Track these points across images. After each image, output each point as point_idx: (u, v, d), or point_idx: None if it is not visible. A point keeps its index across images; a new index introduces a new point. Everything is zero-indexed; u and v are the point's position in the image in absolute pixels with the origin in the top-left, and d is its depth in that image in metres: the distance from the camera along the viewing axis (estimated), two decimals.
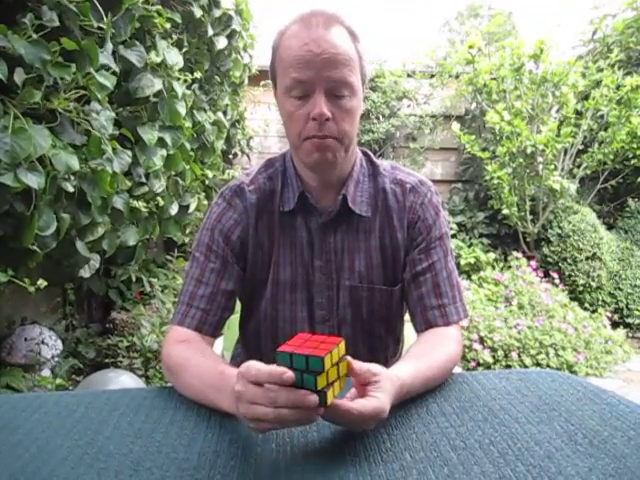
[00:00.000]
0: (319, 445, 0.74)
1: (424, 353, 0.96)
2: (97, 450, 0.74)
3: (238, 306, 1.20)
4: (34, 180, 1.52)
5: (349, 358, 0.73)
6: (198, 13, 2.74)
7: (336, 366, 0.69)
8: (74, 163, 1.66)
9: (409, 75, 5.33)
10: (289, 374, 0.65)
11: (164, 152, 2.39)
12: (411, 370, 0.85)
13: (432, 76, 5.30)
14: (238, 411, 0.71)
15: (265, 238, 1.10)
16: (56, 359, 2.43)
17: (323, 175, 1.07)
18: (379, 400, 0.72)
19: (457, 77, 5.04)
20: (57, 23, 1.63)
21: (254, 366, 0.68)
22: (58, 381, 2.34)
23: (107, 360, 2.75)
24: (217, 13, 2.97)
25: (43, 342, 2.35)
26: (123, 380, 2.31)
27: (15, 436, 0.78)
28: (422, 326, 1.07)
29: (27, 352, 2.30)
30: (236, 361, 1.26)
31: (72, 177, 1.76)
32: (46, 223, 1.66)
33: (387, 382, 0.75)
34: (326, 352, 0.66)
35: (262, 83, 4.58)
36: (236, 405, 0.71)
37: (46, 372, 2.39)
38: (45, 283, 1.74)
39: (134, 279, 3.05)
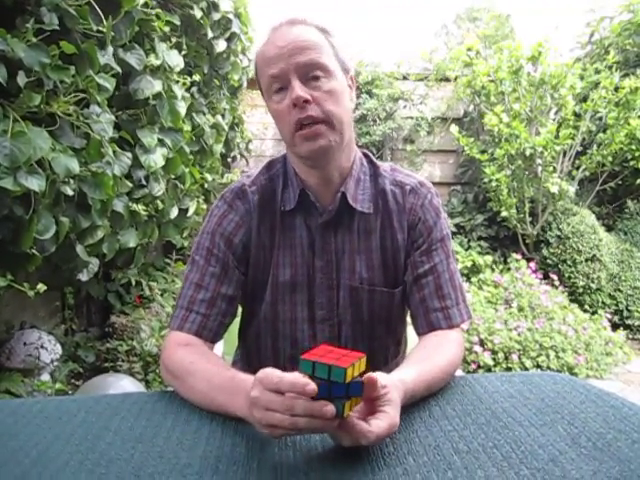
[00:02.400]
0: (322, 450, 0.74)
1: (426, 357, 0.96)
2: (98, 455, 0.73)
3: (238, 310, 1.20)
4: (35, 183, 1.52)
5: (371, 374, 0.72)
6: (198, 14, 2.74)
7: (357, 379, 0.69)
8: (74, 166, 1.66)
9: (405, 77, 5.34)
10: (312, 386, 0.64)
11: (165, 151, 2.39)
12: (414, 374, 0.85)
13: (426, 77, 5.30)
14: (252, 416, 0.70)
15: (267, 239, 1.10)
16: (55, 363, 2.42)
17: (321, 167, 1.06)
18: (391, 416, 0.72)
19: (455, 79, 5.04)
20: (56, 24, 1.63)
21: (275, 373, 0.68)
22: (57, 385, 2.33)
23: (106, 364, 2.74)
24: (216, 16, 2.98)
25: (42, 346, 2.35)
26: (123, 384, 2.30)
27: (16, 442, 0.78)
28: (424, 329, 1.06)
29: (26, 357, 2.29)
30: (237, 366, 1.26)
31: (72, 180, 1.76)
32: (45, 227, 1.66)
33: (395, 392, 0.75)
34: (349, 364, 0.66)
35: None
36: (250, 410, 0.70)
37: (45, 377, 2.39)
38: (44, 287, 1.74)
39: (133, 283, 3.05)
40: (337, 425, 0.68)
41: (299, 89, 0.95)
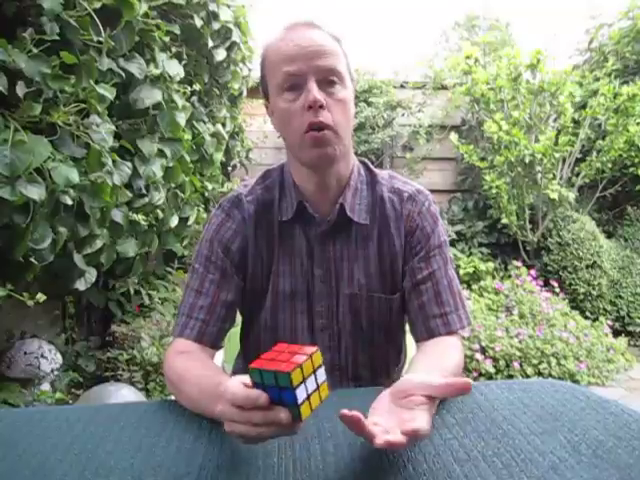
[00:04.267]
0: (321, 459, 0.74)
1: (435, 365, 0.94)
2: (98, 465, 0.73)
3: (238, 319, 1.20)
4: (34, 192, 1.52)
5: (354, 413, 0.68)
6: (199, 24, 2.76)
7: (313, 376, 0.67)
8: (74, 176, 1.67)
9: (402, 86, 5.36)
10: (264, 398, 0.64)
11: (164, 161, 2.40)
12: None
13: (424, 85, 5.32)
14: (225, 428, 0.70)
15: (264, 248, 1.11)
16: (55, 373, 2.42)
17: (323, 174, 1.06)
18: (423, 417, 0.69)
19: (454, 86, 5.06)
20: (57, 34, 1.64)
21: (230, 389, 0.68)
22: (58, 395, 2.33)
23: (107, 373, 2.74)
24: (216, 26, 2.99)
25: (42, 356, 2.35)
26: (123, 393, 2.30)
27: (15, 451, 0.78)
28: (423, 335, 1.06)
29: (26, 366, 2.29)
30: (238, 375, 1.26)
31: (71, 190, 1.76)
32: (41, 236, 1.66)
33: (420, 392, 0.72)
34: (294, 367, 0.63)
35: (261, 100, 4.62)
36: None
37: (45, 386, 2.38)
38: (44, 297, 1.74)
39: (133, 292, 3.05)
40: (298, 427, 0.67)
41: (317, 92, 0.96)
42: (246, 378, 0.68)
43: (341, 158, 1.05)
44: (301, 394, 0.64)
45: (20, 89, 1.52)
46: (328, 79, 0.98)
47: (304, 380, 0.65)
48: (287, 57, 0.97)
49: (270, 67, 1.02)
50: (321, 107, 0.96)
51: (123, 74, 2.01)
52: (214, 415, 0.81)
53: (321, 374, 0.68)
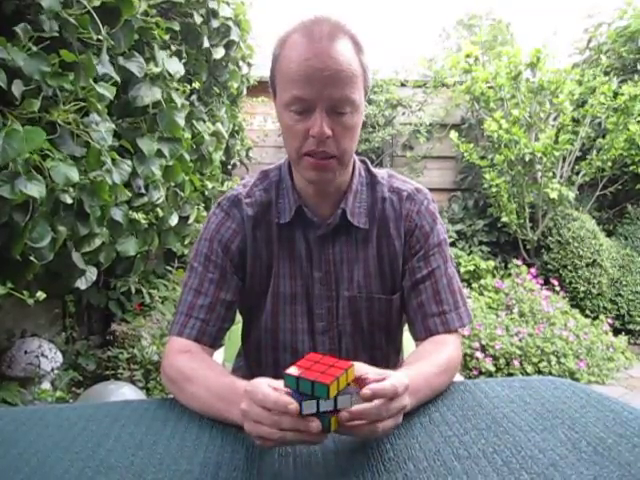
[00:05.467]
0: (322, 456, 0.74)
1: (422, 357, 0.96)
2: (98, 463, 0.73)
3: (239, 318, 1.20)
4: (34, 190, 1.52)
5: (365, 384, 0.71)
6: (198, 21, 2.75)
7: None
8: (73, 175, 1.66)
9: (402, 84, 5.35)
10: (294, 406, 0.64)
11: (162, 162, 2.39)
12: (412, 372, 0.84)
13: (424, 84, 5.31)
14: (245, 428, 0.71)
15: (263, 249, 1.10)
16: (56, 372, 2.42)
17: (321, 189, 1.07)
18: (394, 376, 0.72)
19: (454, 85, 5.05)
20: (56, 31, 1.64)
21: (261, 389, 0.68)
22: (58, 394, 2.33)
23: (107, 372, 2.74)
24: (215, 24, 2.98)
25: (43, 355, 2.35)
26: (124, 392, 2.30)
27: (16, 449, 0.78)
28: (422, 334, 1.06)
29: (27, 365, 2.29)
30: (238, 375, 1.26)
31: (71, 189, 1.76)
32: (40, 235, 1.65)
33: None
34: (332, 379, 0.65)
35: (261, 99, 4.64)
36: (242, 420, 0.71)
37: (46, 385, 2.38)
38: (44, 295, 1.74)
39: (133, 290, 3.05)
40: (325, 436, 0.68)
41: (324, 125, 0.91)
42: (273, 382, 0.70)
43: (340, 177, 1.04)
44: (337, 405, 0.66)
45: (17, 88, 1.52)
46: (339, 110, 0.93)
47: (338, 393, 0.66)
48: (298, 78, 0.91)
49: (280, 76, 0.96)
50: (327, 137, 0.93)
51: (118, 78, 2.00)
52: (225, 415, 0.82)
53: (351, 390, 0.69)
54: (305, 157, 0.96)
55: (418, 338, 1.08)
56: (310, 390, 0.65)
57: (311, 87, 0.90)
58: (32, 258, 1.68)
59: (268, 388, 0.68)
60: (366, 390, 0.68)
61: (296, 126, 0.94)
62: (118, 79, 1.99)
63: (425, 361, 0.93)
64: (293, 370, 0.67)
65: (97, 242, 1.99)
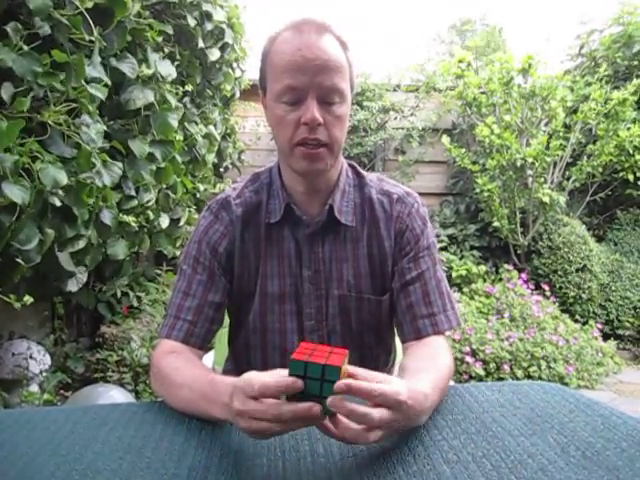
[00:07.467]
0: (311, 459, 0.73)
1: (429, 366, 0.92)
2: (85, 466, 0.72)
3: (227, 321, 1.20)
4: (18, 195, 1.50)
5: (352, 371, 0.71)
6: (192, 23, 2.75)
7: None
8: (62, 177, 1.65)
9: (395, 89, 5.37)
10: (300, 383, 0.65)
11: (153, 167, 2.38)
12: (427, 382, 0.82)
13: (417, 89, 5.33)
14: (237, 425, 0.71)
15: (251, 250, 1.11)
16: (44, 374, 2.40)
17: (312, 181, 1.07)
18: (393, 384, 0.71)
19: (447, 89, 5.08)
20: (48, 31, 1.63)
21: (255, 379, 0.68)
22: (46, 396, 2.31)
23: (96, 375, 2.72)
24: (209, 26, 2.98)
25: (31, 357, 2.33)
26: (112, 395, 2.28)
27: (1, 452, 0.77)
28: (410, 335, 1.06)
29: (14, 367, 2.27)
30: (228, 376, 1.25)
31: (60, 191, 1.75)
32: (27, 237, 1.63)
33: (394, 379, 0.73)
34: (341, 362, 0.66)
35: (253, 105, 4.64)
36: (235, 419, 0.71)
37: (34, 387, 2.36)
38: (31, 299, 1.72)
39: (119, 294, 3.03)
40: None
41: (316, 111, 0.94)
42: (262, 374, 0.69)
43: (330, 168, 1.05)
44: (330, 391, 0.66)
45: (6, 91, 1.51)
46: (329, 98, 0.97)
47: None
48: (290, 68, 0.95)
49: (271, 69, 1.00)
50: (319, 125, 0.95)
51: (108, 81, 1.98)
52: (208, 412, 0.81)
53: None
54: (297, 147, 0.98)
55: (406, 339, 1.07)
56: (320, 374, 0.65)
57: (303, 76, 0.94)
58: (19, 260, 1.66)
59: (262, 377, 0.68)
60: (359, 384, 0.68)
61: (288, 116, 0.97)
62: (109, 82, 1.98)
63: (433, 371, 0.89)
64: (300, 356, 0.67)
65: (81, 244, 1.96)
